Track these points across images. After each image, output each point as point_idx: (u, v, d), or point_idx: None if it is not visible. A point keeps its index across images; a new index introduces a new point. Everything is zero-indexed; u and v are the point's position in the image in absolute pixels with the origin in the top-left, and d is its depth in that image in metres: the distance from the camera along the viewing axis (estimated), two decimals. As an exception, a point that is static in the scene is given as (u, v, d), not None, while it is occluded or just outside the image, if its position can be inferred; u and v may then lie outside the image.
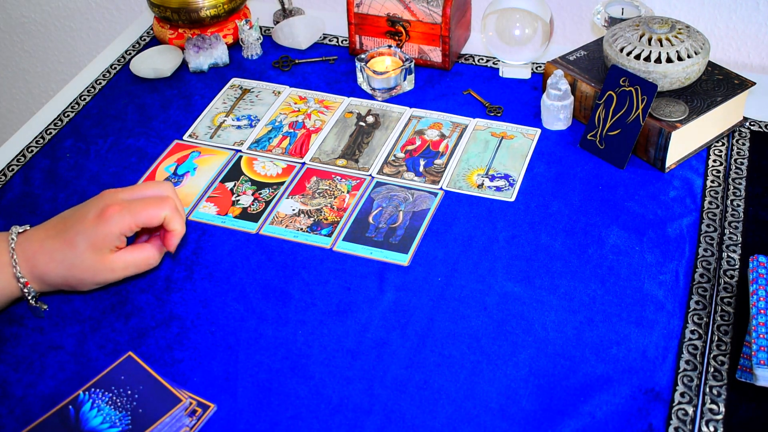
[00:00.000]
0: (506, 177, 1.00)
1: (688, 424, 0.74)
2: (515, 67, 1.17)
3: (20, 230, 0.84)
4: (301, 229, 0.95)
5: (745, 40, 1.20)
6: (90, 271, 0.82)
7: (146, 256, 0.84)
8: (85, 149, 1.09)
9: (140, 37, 1.31)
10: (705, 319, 0.83)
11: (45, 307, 0.86)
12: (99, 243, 0.81)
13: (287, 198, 0.99)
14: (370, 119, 1.11)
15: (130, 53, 1.27)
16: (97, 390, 0.77)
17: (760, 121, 1.07)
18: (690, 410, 0.75)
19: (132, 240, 0.87)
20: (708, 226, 0.93)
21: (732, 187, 0.97)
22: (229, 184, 1.02)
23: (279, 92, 1.17)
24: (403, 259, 0.91)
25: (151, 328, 0.86)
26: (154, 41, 1.29)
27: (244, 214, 0.98)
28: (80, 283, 0.83)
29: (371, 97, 1.15)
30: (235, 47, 1.27)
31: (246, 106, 1.15)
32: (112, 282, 0.85)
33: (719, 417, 0.75)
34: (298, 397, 0.78)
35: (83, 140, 1.11)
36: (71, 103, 1.18)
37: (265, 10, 1.37)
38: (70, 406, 0.76)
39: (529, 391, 0.78)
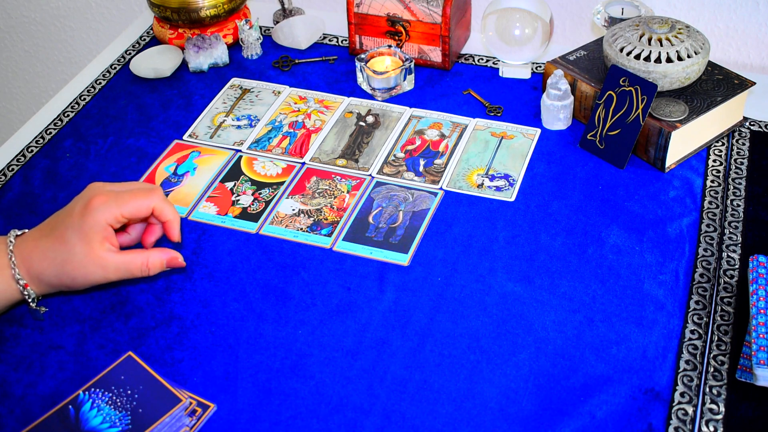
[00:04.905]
0: (506, 177, 1.00)
1: (688, 424, 0.74)
2: (515, 67, 1.17)
3: (18, 233, 0.84)
4: (301, 229, 0.95)
5: (745, 40, 1.20)
6: (81, 268, 0.80)
7: (141, 261, 0.82)
8: (85, 149, 1.09)
9: (140, 37, 1.31)
10: (705, 319, 0.83)
11: (44, 309, 0.86)
12: (87, 235, 0.79)
13: (287, 198, 0.99)
14: (370, 119, 1.11)
15: (129, 53, 1.27)
16: (97, 390, 0.77)
17: (760, 121, 1.07)
18: (690, 410, 0.75)
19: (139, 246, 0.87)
20: (708, 225, 0.93)
21: (732, 187, 0.97)
22: (229, 184, 1.02)
23: (279, 92, 1.17)
24: (403, 259, 0.91)
25: (151, 328, 0.86)
26: (154, 41, 1.29)
27: (244, 214, 0.98)
28: (73, 281, 0.81)
29: (371, 97, 1.15)
30: (235, 47, 1.27)
31: (246, 106, 1.15)
32: (105, 282, 0.83)
33: (719, 417, 0.75)
34: (298, 397, 0.78)
35: (83, 140, 1.11)
36: (71, 103, 1.18)
37: (265, 10, 1.37)
38: (70, 406, 0.76)
39: (529, 391, 0.78)
